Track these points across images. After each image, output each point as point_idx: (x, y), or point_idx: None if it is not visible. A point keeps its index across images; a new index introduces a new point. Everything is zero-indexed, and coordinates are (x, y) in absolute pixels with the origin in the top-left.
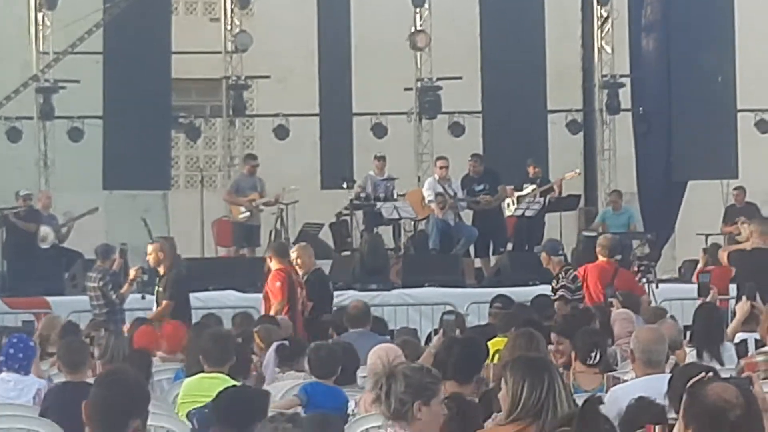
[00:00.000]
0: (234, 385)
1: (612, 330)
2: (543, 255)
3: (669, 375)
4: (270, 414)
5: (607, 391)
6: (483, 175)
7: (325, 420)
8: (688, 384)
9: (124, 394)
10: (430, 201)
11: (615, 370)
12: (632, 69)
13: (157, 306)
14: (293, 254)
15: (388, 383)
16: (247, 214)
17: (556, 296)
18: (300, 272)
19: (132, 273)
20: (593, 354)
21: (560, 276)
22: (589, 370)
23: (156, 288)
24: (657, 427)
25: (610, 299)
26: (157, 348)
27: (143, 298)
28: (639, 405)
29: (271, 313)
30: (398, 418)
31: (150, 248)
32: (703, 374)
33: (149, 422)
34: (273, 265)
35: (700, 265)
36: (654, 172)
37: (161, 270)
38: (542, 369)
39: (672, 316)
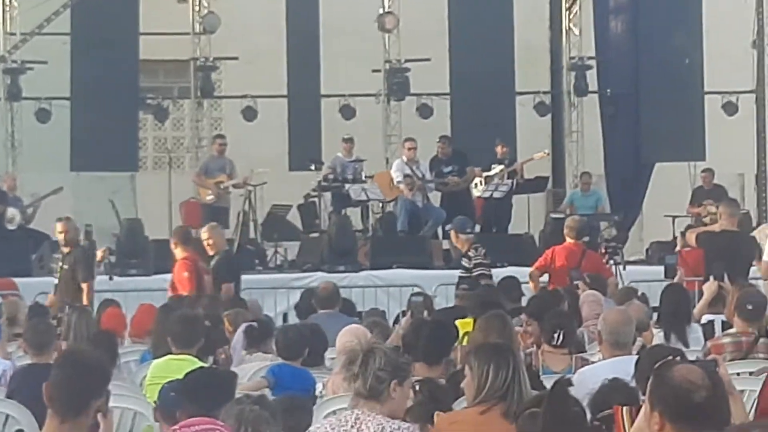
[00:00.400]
0: (201, 367)
1: (580, 312)
2: (452, 233)
3: (636, 357)
4: (237, 396)
5: (575, 373)
6: (451, 156)
7: (294, 403)
8: (655, 366)
9: (85, 374)
10: (398, 182)
11: (585, 352)
12: (599, 51)
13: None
14: (204, 235)
15: (367, 360)
16: (213, 196)
17: (475, 274)
18: (211, 253)
19: (99, 254)
20: (557, 335)
21: (470, 254)
22: (556, 351)
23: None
24: (624, 408)
25: (575, 282)
26: (124, 330)
27: (111, 279)
28: (611, 386)
29: None
30: (372, 397)
31: (59, 226)
32: (670, 357)
33: (117, 404)
34: (178, 252)
35: (677, 248)
36: (621, 154)
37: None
38: (507, 353)
39: (642, 295)
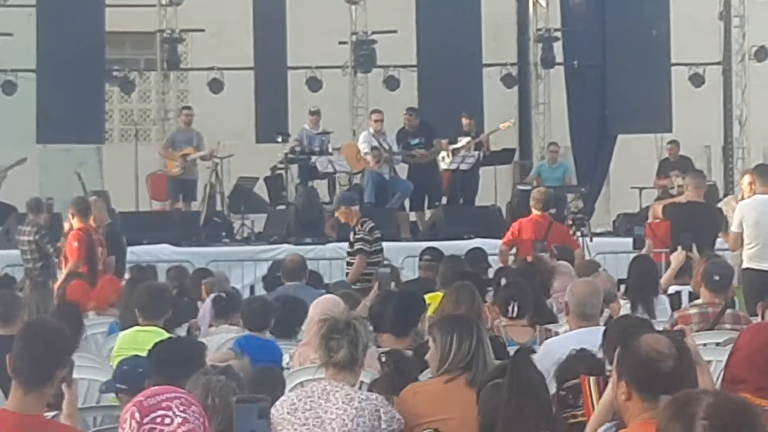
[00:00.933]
0: (170, 337)
1: (549, 283)
2: (341, 208)
3: (603, 327)
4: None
5: (540, 344)
6: (418, 128)
7: (265, 374)
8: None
9: (47, 344)
10: (365, 154)
11: (555, 323)
12: (565, 23)
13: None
14: None
15: (348, 332)
16: (180, 169)
17: (353, 249)
18: (94, 226)
19: (67, 226)
20: (511, 307)
21: (357, 228)
22: (516, 323)
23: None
24: (591, 378)
25: (538, 254)
26: (90, 303)
27: None
28: (578, 356)
29: (65, 272)
30: (348, 366)
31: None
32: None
33: (84, 375)
34: (75, 223)
35: (648, 221)
36: (587, 126)
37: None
38: (470, 324)
39: (605, 270)
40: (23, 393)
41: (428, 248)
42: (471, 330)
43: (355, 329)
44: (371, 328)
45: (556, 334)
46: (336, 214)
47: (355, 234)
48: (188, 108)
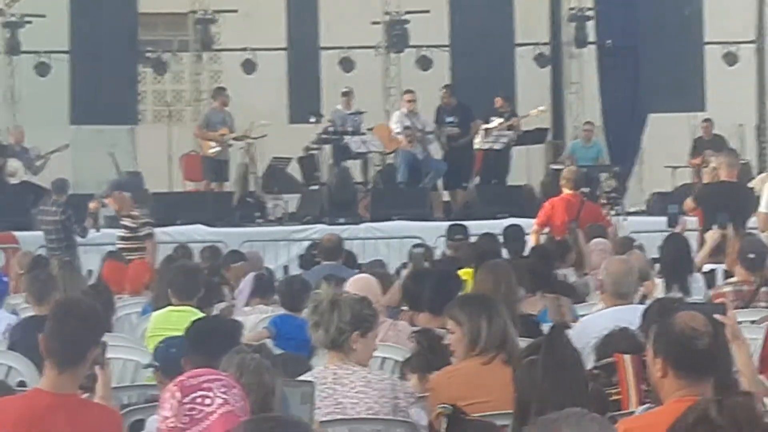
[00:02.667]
0: (207, 316)
1: (582, 261)
2: (113, 195)
3: (637, 306)
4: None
5: (550, 315)
6: (455, 107)
7: (291, 356)
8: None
9: (79, 323)
10: (397, 134)
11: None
12: (598, 2)
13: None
14: None
15: (330, 312)
16: (218, 148)
17: (141, 235)
18: None
19: (91, 206)
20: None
21: (134, 213)
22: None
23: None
24: (627, 356)
25: (574, 229)
26: (126, 282)
27: (98, 231)
28: (619, 335)
29: None
30: (334, 347)
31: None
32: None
33: (118, 355)
34: None
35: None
36: (620, 105)
37: (92, 205)
38: (496, 303)
39: (640, 247)
40: (57, 373)
41: (456, 226)
42: (498, 309)
43: (338, 311)
44: (405, 306)
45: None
46: (106, 201)
47: (135, 219)
48: (224, 90)
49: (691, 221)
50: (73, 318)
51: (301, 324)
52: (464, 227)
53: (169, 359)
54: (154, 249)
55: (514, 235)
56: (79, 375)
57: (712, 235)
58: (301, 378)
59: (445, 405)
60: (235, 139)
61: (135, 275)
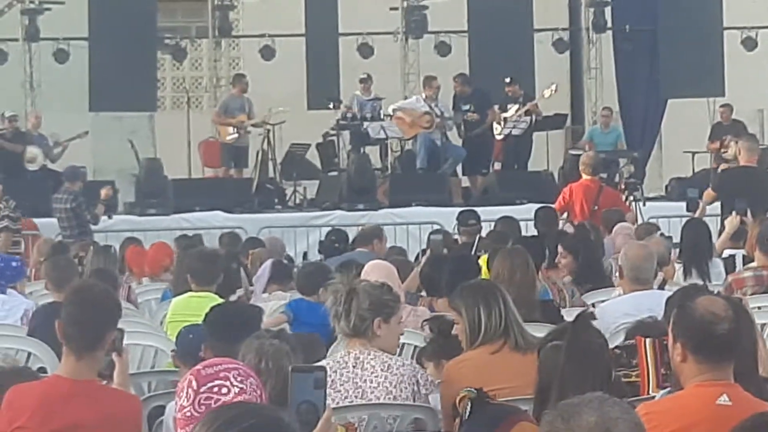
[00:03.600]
0: (227, 301)
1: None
2: None
3: (657, 291)
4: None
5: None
6: (471, 94)
7: (308, 338)
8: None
9: (96, 307)
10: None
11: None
12: None
13: None
14: None
15: (349, 299)
16: (236, 135)
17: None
18: None
19: (103, 193)
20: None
21: (2, 206)
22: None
23: None
24: (647, 339)
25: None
26: (145, 268)
27: (110, 218)
28: (650, 324)
29: None
30: (356, 335)
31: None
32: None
33: (138, 341)
34: None
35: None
36: (638, 91)
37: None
38: (493, 290)
39: (662, 234)
40: (75, 358)
41: (467, 212)
42: (497, 296)
43: (357, 298)
44: (423, 292)
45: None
46: None
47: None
48: (244, 76)
49: (711, 206)
50: (89, 303)
51: (316, 307)
52: (475, 213)
53: (187, 345)
54: (3, 244)
55: (549, 217)
56: (98, 360)
57: (732, 221)
58: (322, 362)
59: (470, 389)
60: (253, 125)
61: (154, 258)
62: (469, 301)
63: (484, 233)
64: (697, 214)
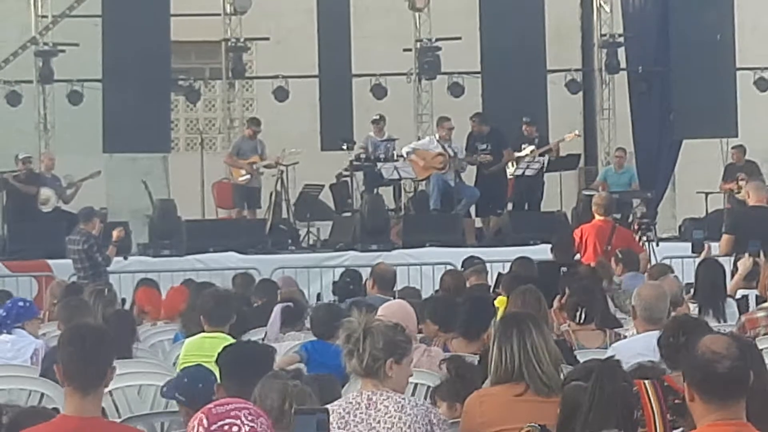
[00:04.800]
0: (239, 341)
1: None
2: None
3: None
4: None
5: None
6: (488, 134)
7: (324, 378)
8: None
9: (96, 344)
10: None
11: (617, 327)
12: (628, 28)
13: None
14: None
15: (364, 339)
16: (248, 176)
17: None
18: None
19: (115, 234)
20: (579, 313)
21: None
22: (585, 328)
23: None
24: (646, 382)
25: (601, 260)
26: (161, 309)
27: (125, 258)
28: (645, 367)
29: None
30: (368, 375)
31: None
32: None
33: (151, 382)
34: None
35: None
36: (652, 131)
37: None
38: (512, 326)
39: (675, 276)
40: (80, 396)
41: (471, 258)
42: (510, 334)
43: (371, 338)
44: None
45: (622, 337)
46: None
47: None
48: (257, 123)
49: (717, 246)
50: (89, 340)
51: (333, 350)
52: (480, 259)
53: (195, 392)
54: None
55: (565, 244)
56: (101, 396)
57: (745, 262)
58: (335, 403)
59: (533, 424)
60: (266, 167)
61: (170, 301)
62: (494, 336)
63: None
64: (702, 256)
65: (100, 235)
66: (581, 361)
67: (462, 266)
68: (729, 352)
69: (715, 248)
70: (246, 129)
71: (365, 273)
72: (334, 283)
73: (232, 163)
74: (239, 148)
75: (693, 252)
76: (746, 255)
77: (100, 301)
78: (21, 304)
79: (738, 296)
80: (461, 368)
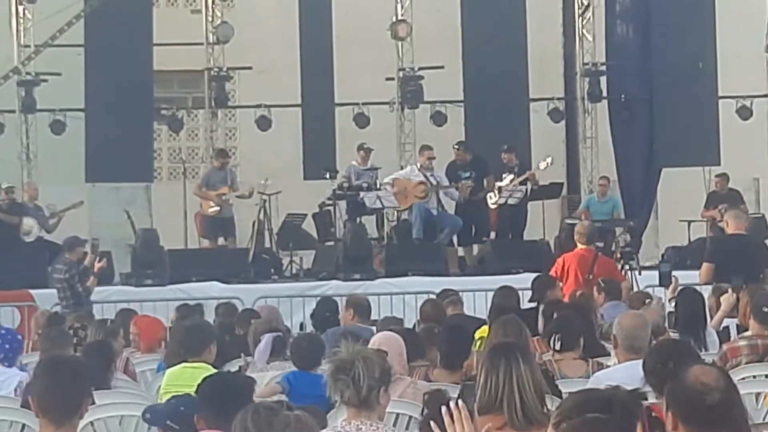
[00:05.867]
0: (218, 372)
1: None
2: None
3: None
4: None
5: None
6: (470, 162)
7: (312, 411)
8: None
9: (72, 375)
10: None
11: (603, 356)
12: (611, 56)
13: None
14: None
15: (361, 369)
16: (217, 208)
17: None
18: None
19: (96, 265)
20: (552, 340)
21: None
22: (566, 357)
23: None
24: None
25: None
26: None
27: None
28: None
29: None
30: (364, 405)
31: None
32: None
33: (132, 413)
34: None
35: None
36: (634, 160)
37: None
38: (490, 360)
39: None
40: (55, 428)
41: (446, 290)
42: (491, 367)
43: (360, 367)
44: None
45: (604, 366)
46: None
47: None
48: (225, 155)
49: (685, 275)
50: (64, 371)
51: (315, 380)
52: (454, 290)
53: (180, 416)
54: None
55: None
56: (75, 427)
57: (728, 298)
58: None
59: None
60: (239, 197)
61: (147, 332)
62: (483, 361)
63: (482, 301)
64: (670, 289)
65: (85, 265)
66: (563, 390)
67: (438, 296)
68: (718, 384)
69: (684, 278)
70: (214, 161)
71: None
72: (312, 314)
73: (201, 194)
74: (208, 179)
75: (660, 285)
76: (729, 291)
77: (83, 331)
78: (19, 337)
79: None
80: (443, 403)
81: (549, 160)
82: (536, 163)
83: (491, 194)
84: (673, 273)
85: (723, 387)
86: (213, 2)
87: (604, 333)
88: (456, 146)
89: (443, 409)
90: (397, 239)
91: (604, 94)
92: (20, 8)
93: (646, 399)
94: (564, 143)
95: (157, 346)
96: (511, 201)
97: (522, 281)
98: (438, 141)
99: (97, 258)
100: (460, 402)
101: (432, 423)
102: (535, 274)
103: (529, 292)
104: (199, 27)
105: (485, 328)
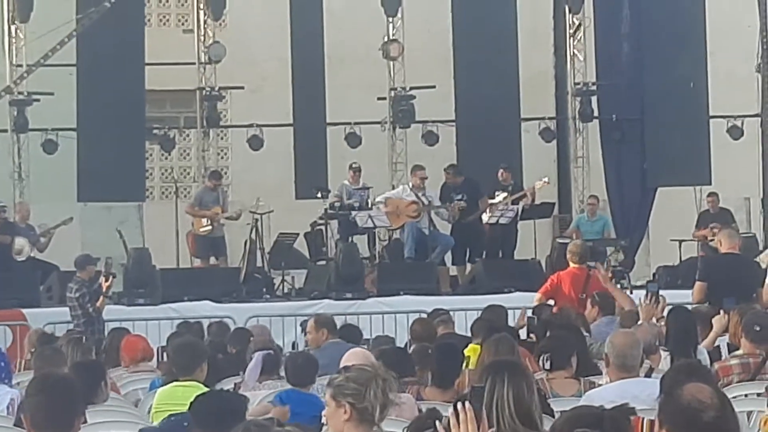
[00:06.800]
0: (211, 390)
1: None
2: None
3: (643, 379)
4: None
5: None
6: (462, 185)
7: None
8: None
9: (64, 393)
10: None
11: (596, 375)
12: (602, 76)
13: None
14: None
15: (385, 386)
16: (210, 227)
17: None
18: None
19: (104, 285)
20: (542, 360)
21: None
22: (558, 376)
23: None
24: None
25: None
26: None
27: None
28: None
29: None
30: (376, 422)
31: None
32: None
33: (124, 431)
34: None
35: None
36: (626, 179)
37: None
38: (487, 376)
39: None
40: None
41: (437, 310)
42: (479, 390)
43: (388, 382)
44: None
45: (596, 385)
46: None
47: None
48: (218, 176)
49: (677, 294)
50: (57, 389)
51: (307, 398)
52: (445, 310)
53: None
54: None
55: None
56: None
57: (720, 320)
58: None
59: None
60: (228, 218)
61: (128, 347)
62: (484, 378)
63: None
64: (658, 309)
65: (90, 282)
66: (555, 409)
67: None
68: (713, 402)
69: (675, 298)
70: (207, 181)
71: (339, 321)
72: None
73: (193, 214)
74: (201, 199)
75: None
76: (721, 312)
77: (78, 349)
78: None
79: None
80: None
81: (545, 179)
82: (529, 183)
83: (485, 212)
84: (661, 292)
85: (718, 404)
86: (205, 22)
87: (595, 352)
88: (447, 170)
89: (450, 409)
90: (389, 258)
91: (596, 113)
92: (12, 28)
93: (635, 414)
94: (555, 163)
95: (139, 359)
96: (502, 220)
97: (514, 300)
98: (429, 160)
99: (105, 277)
100: (466, 403)
101: (437, 423)
102: (526, 294)
103: (519, 312)
104: (191, 47)
105: (474, 346)
